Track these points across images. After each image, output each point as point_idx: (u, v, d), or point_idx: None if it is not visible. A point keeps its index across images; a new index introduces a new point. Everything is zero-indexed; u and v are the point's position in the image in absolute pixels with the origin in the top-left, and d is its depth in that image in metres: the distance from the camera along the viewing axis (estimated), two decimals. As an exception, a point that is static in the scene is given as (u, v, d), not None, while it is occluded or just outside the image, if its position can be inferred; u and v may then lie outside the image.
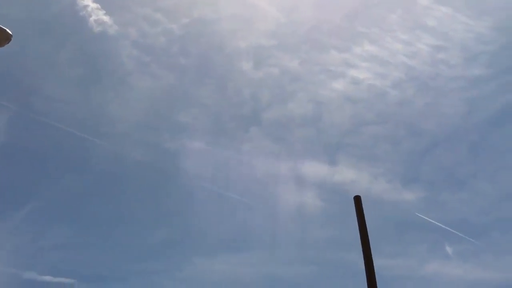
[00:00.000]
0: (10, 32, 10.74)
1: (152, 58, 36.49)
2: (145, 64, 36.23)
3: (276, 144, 36.53)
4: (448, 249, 27.10)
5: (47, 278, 29.29)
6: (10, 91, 33.03)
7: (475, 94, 34.45)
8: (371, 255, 10.37)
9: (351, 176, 33.08)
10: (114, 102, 36.52)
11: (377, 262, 10.30)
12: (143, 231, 34.58)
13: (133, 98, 36.47)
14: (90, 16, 34.10)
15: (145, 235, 34.46)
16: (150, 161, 36.36)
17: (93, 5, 34.17)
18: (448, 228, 25.02)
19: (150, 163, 36.15)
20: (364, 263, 10.33)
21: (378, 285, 10.03)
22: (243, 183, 35.39)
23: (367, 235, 10.61)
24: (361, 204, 11.03)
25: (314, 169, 34.67)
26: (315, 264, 31.80)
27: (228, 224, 35.18)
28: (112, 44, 35.99)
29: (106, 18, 34.31)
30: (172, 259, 33.58)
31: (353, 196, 11.19)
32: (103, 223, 35.08)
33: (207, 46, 37.43)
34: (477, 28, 33.98)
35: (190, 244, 34.45)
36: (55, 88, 35.20)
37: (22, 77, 33.64)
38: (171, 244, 34.81)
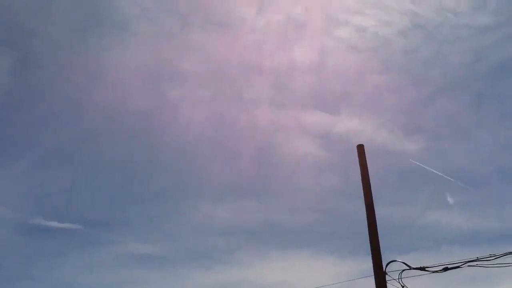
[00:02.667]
0: None
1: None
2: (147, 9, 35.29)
3: (278, 92, 36.18)
4: (449, 199, 27.49)
5: (53, 224, 29.91)
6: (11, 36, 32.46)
7: (481, 43, 33.66)
8: (372, 203, 10.42)
9: (353, 125, 32.93)
10: (114, 49, 35.85)
11: (378, 211, 10.37)
12: (144, 176, 34.93)
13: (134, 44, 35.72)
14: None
15: (146, 180, 34.86)
16: (152, 108, 36.16)
17: None
18: (449, 178, 25.17)
19: (151, 111, 35.96)
20: (366, 211, 10.40)
21: (379, 233, 10.14)
22: (244, 133, 35.39)
23: (369, 184, 10.63)
24: (364, 153, 10.98)
25: (317, 118, 34.52)
26: (317, 212, 32.31)
27: (231, 172, 35.50)
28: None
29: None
30: (175, 204, 34.14)
31: (356, 146, 11.13)
32: (104, 169, 35.42)
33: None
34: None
35: (192, 191, 34.92)
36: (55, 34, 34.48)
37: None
38: (173, 190, 35.29)
